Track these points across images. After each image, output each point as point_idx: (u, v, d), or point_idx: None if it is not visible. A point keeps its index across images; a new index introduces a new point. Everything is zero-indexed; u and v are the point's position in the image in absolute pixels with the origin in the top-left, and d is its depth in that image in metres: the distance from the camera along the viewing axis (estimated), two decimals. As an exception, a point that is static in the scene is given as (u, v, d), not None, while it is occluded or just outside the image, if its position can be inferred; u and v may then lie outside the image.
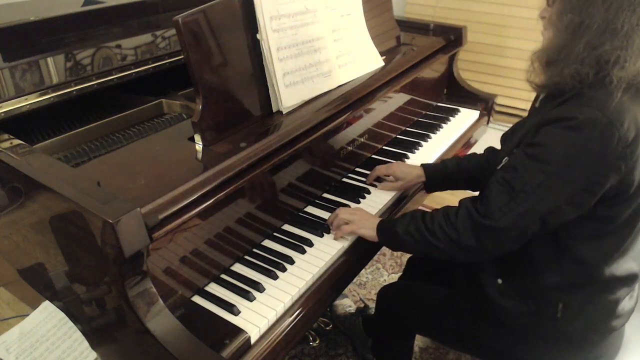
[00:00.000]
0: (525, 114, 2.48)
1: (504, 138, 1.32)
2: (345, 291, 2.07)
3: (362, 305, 1.93)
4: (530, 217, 1.02)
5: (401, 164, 1.52)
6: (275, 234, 1.29)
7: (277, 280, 1.15)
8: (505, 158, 1.12)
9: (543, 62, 1.06)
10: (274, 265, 1.18)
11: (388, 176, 1.51)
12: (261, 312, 1.06)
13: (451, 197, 2.80)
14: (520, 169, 1.02)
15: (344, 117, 1.39)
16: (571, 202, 1.00)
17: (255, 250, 1.23)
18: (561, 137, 0.98)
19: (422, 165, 1.49)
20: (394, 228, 1.19)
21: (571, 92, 1.00)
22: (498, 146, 1.48)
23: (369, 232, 1.24)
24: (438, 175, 1.47)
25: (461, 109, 1.98)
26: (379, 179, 1.52)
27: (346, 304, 1.96)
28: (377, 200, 1.45)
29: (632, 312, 1.18)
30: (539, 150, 1.00)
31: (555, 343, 1.17)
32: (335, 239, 1.27)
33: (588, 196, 1.00)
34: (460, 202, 1.14)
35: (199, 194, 1.00)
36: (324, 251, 1.24)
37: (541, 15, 1.10)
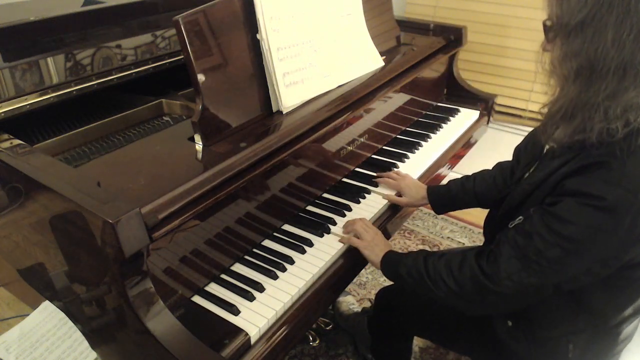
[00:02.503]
0: (525, 114, 2.49)
1: (518, 152, 1.25)
2: (348, 289, 2.07)
3: (369, 305, 1.93)
4: (541, 287, 0.99)
5: (411, 182, 1.47)
6: (275, 234, 1.29)
7: (277, 280, 1.15)
8: (520, 217, 1.01)
9: (557, 117, 0.92)
10: (274, 265, 1.18)
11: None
12: (261, 312, 1.06)
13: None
14: (536, 239, 0.93)
15: (344, 117, 1.39)
16: (587, 273, 0.96)
17: (255, 250, 1.23)
18: (586, 217, 0.88)
19: (427, 188, 1.45)
20: (397, 268, 1.17)
21: (597, 157, 0.88)
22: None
23: (373, 258, 1.22)
24: (441, 199, 1.43)
25: (461, 109, 1.98)
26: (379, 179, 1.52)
27: (349, 301, 1.95)
28: (377, 200, 1.45)
29: (634, 334, 1.17)
30: (559, 224, 0.91)
31: None
32: (339, 241, 1.27)
33: (605, 267, 0.96)
34: (465, 255, 1.07)
35: (198, 193, 1.00)
36: (324, 251, 1.24)
37: (544, 48, 0.96)
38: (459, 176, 1.47)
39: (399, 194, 1.47)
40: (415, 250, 1.20)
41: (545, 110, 0.97)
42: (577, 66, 0.86)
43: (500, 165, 1.39)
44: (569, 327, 1.09)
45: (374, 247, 1.23)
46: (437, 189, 1.45)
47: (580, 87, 0.87)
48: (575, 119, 0.89)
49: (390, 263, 1.19)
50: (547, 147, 1.05)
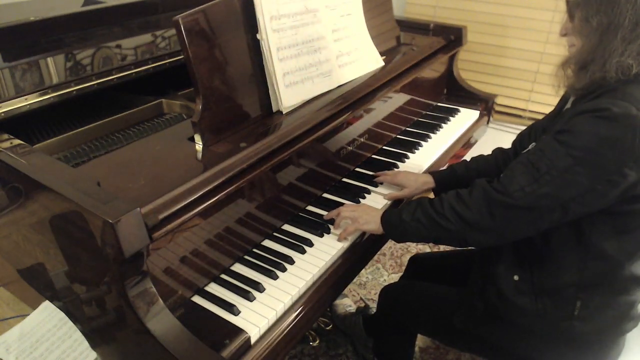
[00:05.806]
0: (525, 114, 2.50)
1: (521, 137, 1.34)
2: (345, 291, 2.07)
3: (363, 305, 1.93)
4: (551, 201, 1.02)
5: (407, 172, 1.51)
6: (275, 233, 1.29)
7: (277, 280, 1.15)
8: (533, 144, 1.12)
9: (578, 66, 1.05)
10: (274, 265, 1.18)
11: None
12: (261, 312, 1.06)
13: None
14: (547, 152, 1.02)
15: (344, 117, 1.39)
16: (593, 191, 1.00)
17: (255, 250, 1.23)
18: (592, 126, 0.98)
19: (430, 172, 1.48)
20: (399, 216, 1.19)
21: (606, 87, 1.00)
22: (501, 145, 1.48)
23: (373, 225, 1.24)
24: (447, 180, 1.46)
25: (461, 108, 1.98)
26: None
27: (346, 303, 1.96)
28: (377, 200, 1.45)
29: None
30: (568, 136, 1.00)
31: (567, 344, 1.16)
32: (339, 240, 1.27)
33: (610, 187, 1.00)
34: (475, 182, 1.13)
35: (199, 194, 1.00)
36: (324, 251, 1.24)
37: (562, 33, 1.11)
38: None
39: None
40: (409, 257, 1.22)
41: (569, 61, 1.08)
42: (597, 22, 1.00)
43: (500, 149, 1.45)
44: (578, 274, 1.09)
45: (367, 216, 1.26)
46: (440, 171, 1.50)
47: (601, 36, 1.00)
48: (595, 62, 1.01)
49: (391, 218, 1.22)
50: (566, 106, 1.15)
